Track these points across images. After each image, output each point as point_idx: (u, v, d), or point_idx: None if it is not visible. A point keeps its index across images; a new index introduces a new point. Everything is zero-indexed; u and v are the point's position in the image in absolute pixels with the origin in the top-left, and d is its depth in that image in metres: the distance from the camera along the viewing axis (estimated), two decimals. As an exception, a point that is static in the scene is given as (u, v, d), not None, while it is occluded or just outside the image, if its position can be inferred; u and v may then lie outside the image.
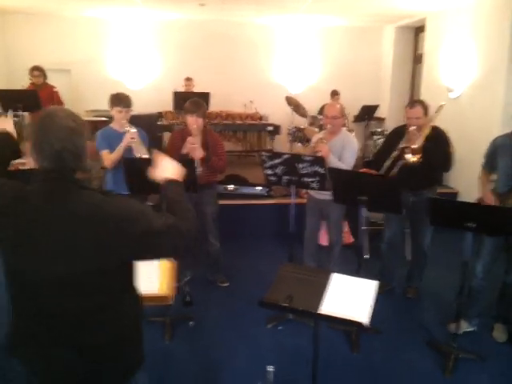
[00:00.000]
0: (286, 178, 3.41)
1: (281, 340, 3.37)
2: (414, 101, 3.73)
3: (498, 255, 3.31)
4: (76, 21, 8.27)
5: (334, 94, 7.95)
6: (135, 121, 6.59)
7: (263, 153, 3.43)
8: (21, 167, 3.58)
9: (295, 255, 3.77)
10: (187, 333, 3.46)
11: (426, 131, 3.61)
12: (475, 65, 5.78)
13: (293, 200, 3.53)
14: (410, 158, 3.52)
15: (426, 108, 3.71)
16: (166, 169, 1.66)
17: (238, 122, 7.41)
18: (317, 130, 7.14)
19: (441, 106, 3.83)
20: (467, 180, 5.32)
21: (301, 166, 3.28)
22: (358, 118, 7.92)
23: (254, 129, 7.10)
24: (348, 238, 5.22)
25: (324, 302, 2.13)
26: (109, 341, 1.44)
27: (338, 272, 4.11)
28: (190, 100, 4.06)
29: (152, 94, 8.50)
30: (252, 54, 8.69)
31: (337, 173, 3.24)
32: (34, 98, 5.36)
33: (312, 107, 7.89)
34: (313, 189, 3.42)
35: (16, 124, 5.56)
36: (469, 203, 3.05)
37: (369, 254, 4.93)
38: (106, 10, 7.60)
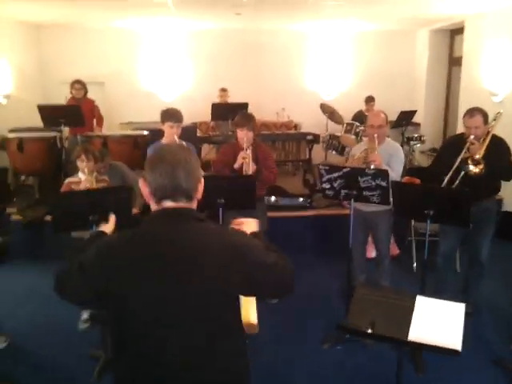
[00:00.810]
0: (344, 191, 3.33)
1: (340, 359, 3.29)
2: (473, 109, 3.59)
3: None
4: (108, 32, 8.35)
5: (370, 100, 7.82)
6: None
7: (321, 166, 3.35)
8: (75, 186, 3.59)
9: (339, 269, 3.69)
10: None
11: (487, 141, 3.50)
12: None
13: (351, 214, 3.44)
14: (473, 168, 3.41)
15: (485, 116, 3.59)
16: (249, 226, 1.69)
17: (276, 131, 7.34)
18: (353, 137, 7.07)
19: (499, 114, 3.71)
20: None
21: (363, 179, 3.20)
22: (396, 124, 7.76)
23: (292, 138, 7.02)
24: (393, 250, 5.11)
25: (411, 328, 2.04)
26: (219, 379, 1.39)
27: (389, 284, 4.09)
28: (239, 113, 4.04)
29: (185, 105, 8.43)
30: (284, 61, 8.63)
31: (402, 187, 3.16)
32: (77, 112, 5.39)
33: (345, 114, 7.79)
34: (373, 202, 3.33)
35: (58, 139, 5.62)
36: None
37: (415, 268, 4.81)
38: (138, 20, 7.65)
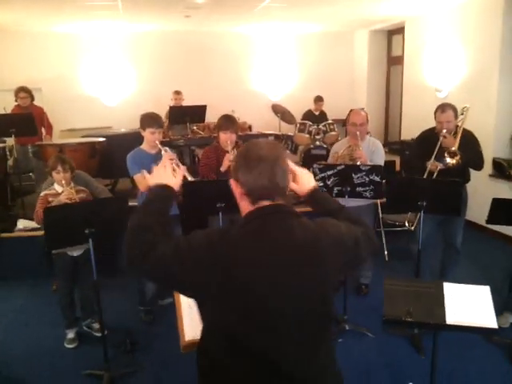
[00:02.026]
0: (337, 188, 3.40)
1: (347, 351, 3.36)
2: (445, 105, 3.82)
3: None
4: (46, 37, 7.86)
5: (319, 99, 8.05)
6: (125, 139, 6.49)
7: (315, 165, 3.40)
8: (52, 199, 3.34)
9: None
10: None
11: (459, 134, 3.74)
12: (463, 65, 6.05)
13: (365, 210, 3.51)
14: (450, 160, 3.63)
15: (455, 111, 3.83)
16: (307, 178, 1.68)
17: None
18: (307, 136, 7.23)
19: (466, 108, 3.97)
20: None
21: (357, 175, 3.29)
22: (345, 122, 8.05)
23: (254, 138, 6.97)
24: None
25: (447, 312, 2.14)
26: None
27: (371, 276, 4.25)
28: (222, 116, 3.97)
29: (129, 109, 8.21)
30: (232, 64, 8.63)
31: (398, 180, 3.29)
32: (29, 121, 5.01)
33: (293, 114, 7.94)
34: (365, 198, 3.44)
35: (7, 150, 5.20)
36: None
37: (387, 257, 5.02)
38: (79, 24, 7.27)
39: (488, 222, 3.20)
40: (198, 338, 1.80)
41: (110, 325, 3.73)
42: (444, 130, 3.75)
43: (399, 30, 8.12)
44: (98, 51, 8.15)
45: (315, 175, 3.40)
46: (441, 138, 3.75)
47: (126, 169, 6.38)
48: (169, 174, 1.57)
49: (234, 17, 7.07)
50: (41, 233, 4.67)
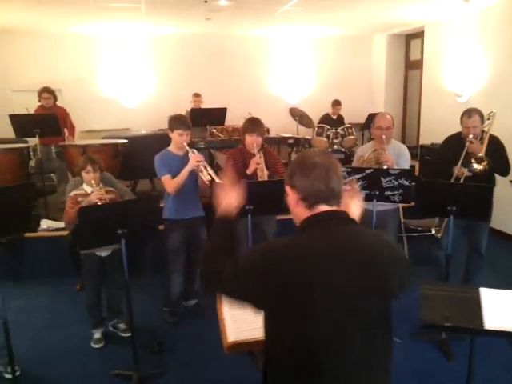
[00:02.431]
0: (365, 192, 3.39)
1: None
2: (471, 110, 3.80)
3: None
4: (65, 38, 7.96)
5: (336, 103, 8.04)
6: (145, 141, 6.53)
7: (343, 168, 3.39)
8: (82, 199, 3.37)
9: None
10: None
11: (487, 139, 3.72)
12: (484, 70, 6.01)
13: (375, 212, 3.50)
14: (477, 166, 3.62)
15: (482, 116, 3.81)
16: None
17: None
18: (325, 139, 7.23)
19: (492, 113, 3.95)
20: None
21: (386, 179, 3.29)
22: (364, 126, 8.05)
23: (273, 142, 7.02)
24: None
25: (485, 317, 2.13)
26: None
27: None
28: (248, 119, 3.99)
29: (148, 111, 8.30)
30: (249, 66, 8.67)
31: (429, 184, 3.28)
32: (53, 122, 5.07)
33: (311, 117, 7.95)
34: (394, 202, 3.43)
35: (31, 150, 5.26)
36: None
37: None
38: (99, 25, 7.34)
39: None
40: (241, 339, 1.83)
41: (136, 325, 3.74)
42: (470, 136, 3.74)
43: (418, 35, 8.10)
44: (117, 53, 8.22)
45: (344, 179, 3.39)
46: (467, 144, 3.74)
47: (147, 170, 6.43)
48: (233, 195, 1.66)
49: (255, 19, 7.10)
50: (65, 233, 4.75)
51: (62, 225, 4.97)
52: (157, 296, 4.09)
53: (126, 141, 5.62)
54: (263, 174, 3.65)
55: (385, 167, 3.56)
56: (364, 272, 1.31)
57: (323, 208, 1.38)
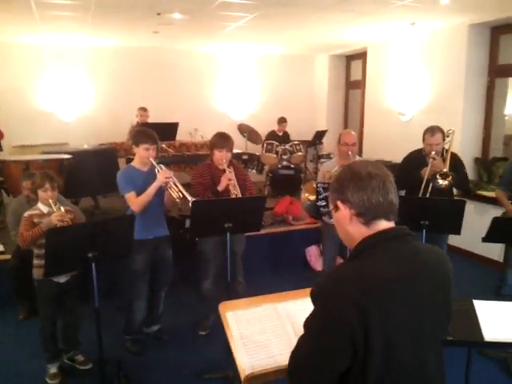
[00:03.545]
0: (339, 208, 3.38)
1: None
2: (434, 128, 3.94)
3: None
4: (10, 46, 7.32)
5: (282, 120, 8.11)
6: (90, 156, 6.15)
7: (319, 184, 3.37)
8: (38, 220, 3.05)
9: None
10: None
11: (449, 156, 3.88)
12: (427, 90, 6.35)
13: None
14: (442, 182, 3.76)
15: (443, 134, 3.98)
16: None
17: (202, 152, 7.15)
18: (274, 156, 7.24)
19: (451, 131, 4.14)
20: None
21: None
22: (311, 143, 8.18)
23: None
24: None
25: (483, 329, 2.15)
26: None
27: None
28: (217, 134, 3.85)
29: (86, 125, 7.85)
30: (196, 82, 8.50)
31: (404, 199, 3.31)
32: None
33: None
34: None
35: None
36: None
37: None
38: (41, 35, 6.85)
39: (485, 240, 3.30)
40: (257, 370, 1.69)
41: (94, 357, 3.44)
42: (433, 152, 3.88)
43: (358, 56, 8.43)
44: (58, 64, 7.70)
45: (319, 194, 3.37)
46: (430, 160, 3.87)
47: (90, 187, 6.07)
48: None
49: (203, 35, 6.99)
50: (6, 257, 4.29)
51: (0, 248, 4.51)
52: (113, 323, 3.78)
53: (70, 156, 5.23)
54: (236, 190, 3.52)
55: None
56: (436, 291, 1.25)
57: (383, 225, 1.26)
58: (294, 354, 1.25)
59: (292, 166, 7.22)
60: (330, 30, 6.45)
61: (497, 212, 4.36)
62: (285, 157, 7.29)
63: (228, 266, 3.19)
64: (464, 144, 5.77)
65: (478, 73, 5.71)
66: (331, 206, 1.36)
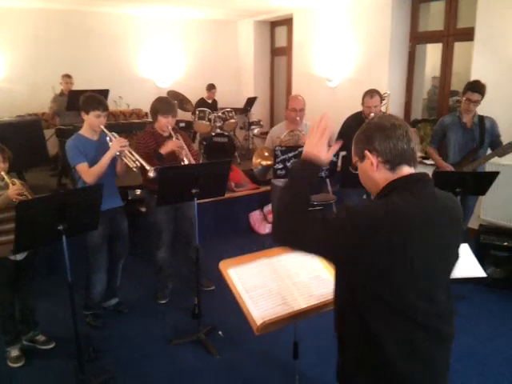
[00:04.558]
0: (295, 170, 3.51)
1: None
2: (372, 91, 4.16)
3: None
4: None
5: (211, 87, 8.05)
6: (13, 128, 5.68)
7: (277, 147, 3.44)
8: None
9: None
10: (222, 342, 3.32)
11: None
12: (354, 56, 6.62)
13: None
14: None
15: (381, 96, 4.23)
16: None
17: (134, 120, 6.88)
18: (207, 123, 7.19)
19: (387, 94, 4.42)
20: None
21: (316, 156, 3.43)
22: (243, 110, 8.20)
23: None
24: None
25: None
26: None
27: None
28: (159, 99, 3.75)
29: (1, 96, 7.18)
30: (118, 48, 8.08)
31: (349, 158, 3.51)
32: None
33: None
34: (321, 177, 3.62)
35: None
36: (451, 172, 3.72)
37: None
38: None
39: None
40: (269, 318, 1.78)
41: (55, 335, 3.32)
42: (372, 114, 4.12)
43: (283, 22, 8.52)
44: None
45: (277, 157, 3.46)
46: (370, 122, 4.11)
47: (16, 161, 5.68)
48: (324, 144, 1.47)
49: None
50: None
51: None
52: (61, 300, 3.64)
53: (-5, 128, 4.81)
54: (189, 158, 3.49)
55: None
56: (451, 233, 1.39)
57: (406, 170, 1.38)
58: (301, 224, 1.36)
59: (225, 133, 7.23)
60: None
61: (425, 168, 4.78)
62: (218, 124, 7.27)
63: (195, 232, 3.21)
64: (390, 108, 6.15)
65: (401, 39, 6.07)
66: (355, 158, 1.47)
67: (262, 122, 8.33)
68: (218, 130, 7.20)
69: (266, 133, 8.76)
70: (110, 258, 3.54)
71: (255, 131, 8.25)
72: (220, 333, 3.40)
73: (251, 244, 5.07)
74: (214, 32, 9.05)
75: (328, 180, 5.48)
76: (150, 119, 7.54)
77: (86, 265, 3.42)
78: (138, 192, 5.04)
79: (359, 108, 4.42)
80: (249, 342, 3.26)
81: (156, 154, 3.51)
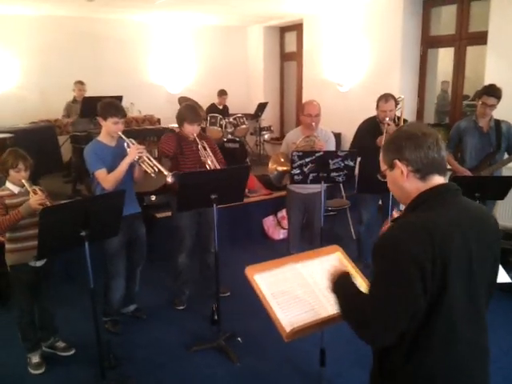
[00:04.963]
0: (312, 175, 3.51)
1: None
2: (387, 95, 4.15)
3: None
4: None
5: (222, 93, 8.08)
6: (27, 135, 5.73)
7: (294, 152, 3.44)
8: (9, 201, 2.86)
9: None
10: (241, 349, 3.31)
11: (402, 121, 4.15)
12: (365, 61, 6.63)
13: (322, 196, 3.63)
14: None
15: (396, 100, 4.22)
16: None
17: (148, 126, 6.92)
18: (219, 129, 7.21)
19: (401, 99, 4.41)
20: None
21: (333, 161, 3.43)
22: (254, 116, 8.21)
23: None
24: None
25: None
26: None
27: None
28: (186, 106, 3.77)
29: (13, 103, 7.25)
30: (129, 54, 8.14)
31: (368, 163, 3.51)
32: None
33: (200, 107, 7.83)
34: (338, 182, 3.61)
35: None
36: (470, 177, 3.70)
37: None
38: None
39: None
40: (298, 325, 1.77)
41: (76, 342, 3.33)
42: (387, 118, 4.11)
43: (292, 27, 8.54)
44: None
45: (294, 162, 3.45)
46: (386, 126, 4.10)
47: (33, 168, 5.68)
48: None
49: (136, 3, 6.65)
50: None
51: None
52: (82, 307, 3.67)
53: (12, 135, 4.85)
54: (214, 164, 3.51)
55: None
56: (483, 245, 1.37)
57: (437, 179, 1.38)
58: (368, 303, 1.32)
59: (237, 139, 7.24)
60: (264, 0, 6.43)
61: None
62: (229, 130, 7.29)
63: (215, 237, 3.21)
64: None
65: (413, 43, 6.07)
66: (384, 167, 1.47)
67: (272, 128, 8.35)
68: (230, 136, 7.22)
69: (277, 138, 8.97)
70: (128, 265, 3.56)
71: (266, 137, 8.28)
72: (239, 339, 3.39)
73: (265, 250, 5.07)
74: (223, 38, 9.09)
75: (342, 185, 5.48)
76: (162, 125, 7.65)
77: (104, 271, 3.43)
78: (154, 198, 5.05)
79: (371, 113, 4.42)
80: (269, 348, 3.25)
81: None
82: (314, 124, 3.98)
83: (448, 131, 5.96)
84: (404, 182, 1.40)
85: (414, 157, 1.37)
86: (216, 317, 3.52)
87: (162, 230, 4.58)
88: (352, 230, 5.35)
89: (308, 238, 4.49)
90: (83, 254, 2.51)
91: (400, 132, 1.45)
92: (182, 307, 3.90)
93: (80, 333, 3.38)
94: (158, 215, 4.93)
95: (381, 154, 1.49)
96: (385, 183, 2.76)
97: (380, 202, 4.45)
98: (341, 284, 1.53)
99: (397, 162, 1.40)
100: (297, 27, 8.34)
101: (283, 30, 8.96)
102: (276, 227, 5.57)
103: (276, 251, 5.02)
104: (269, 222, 5.61)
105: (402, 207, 1.49)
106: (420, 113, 6.33)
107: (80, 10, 7.00)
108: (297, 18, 7.86)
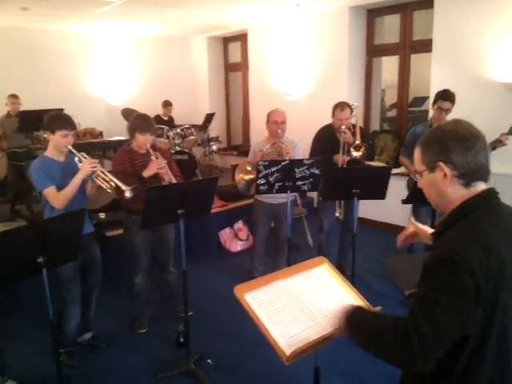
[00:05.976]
0: (278, 184, 3.42)
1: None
2: (343, 103, 4.17)
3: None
4: None
5: (167, 104, 7.86)
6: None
7: (260, 162, 3.33)
8: None
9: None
10: (212, 371, 3.12)
11: (358, 128, 4.17)
12: (313, 70, 6.68)
13: (289, 206, 3.55)
14: (357, 154, 4.03)
15: (351, 109, 4.25)
16: None
17: (93, 140, 6.54)
18: (166, 140, 6.98)
19: (355, 106, 4.46)
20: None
21: (299, 169, 3.36)
22: (202, 127, 8.03)
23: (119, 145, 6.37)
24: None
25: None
26: None
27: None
28: (137, 116, 3.56)
29: None
30: (67, 65, 7.69)
31: (333, 171, 3.47)
32: None
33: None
34: (304, 191, 3.54)
35: None
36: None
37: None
38: None
39: (405, 202, 3.64)
40: (298, 346, 1.64)
41: (27, 378, 2.99)
42: (343, 127, 4.12)
43: (236, 38, 8.49)
44: None
45: (259, 172, 3.35)
46: (342, 134, 4.11)
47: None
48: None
49: (75, 14, 6.30)
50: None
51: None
52: (30, 339, 3.33)
53: None
54: (169, 177, 3.31)
55: (287, 158, 3.64)
56: None
57: (481, 186, 1.28)
58: (422, 322, 1.21)
59: (185, 150, 7.04)
60: (208, 10, 6.32)
61: (395, 178, 4.81)
62: (177, 141, 7.08)
63: (183, 255, 3.02)
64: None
65: (358, 53, 6.19)
66: (422, 167, 1.34)
67: (220, 138, 8.22)
68: (178, 148, 7.01)
69: (225, 149, 8.83)
70: (83, 290, 3.27)
71: (214, 147, 8.12)
72: (209, 361, 3.20)
73: (224, 263, 4.92)
74: (166, 48, 8.85)
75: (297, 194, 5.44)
76: (105, 138, 7.30)
77: (59, 299, 3.12)
78: (103, 216, 4.75)
79: (320, 121, 4.43)
80: (243, 367, 3.09)
81: (138, 177, 3.31)
82: (280, 131, 3.94)
83: (396, 138, 6.17)
84: (446, 187, 1.28)
85: (461, 161, 1.25)
86: (182, 339, 3.33)
87: (113, 250, 4.29)
88: (309, 238, 5.31)
89: (272, 248, 4.41)
90: (40, 283, 2.24)
91: (445, 130, 1.29)
92: (143, 330, 3.64)
93: (32, 368, 3.06)
94: (108, 234, 4.63)
95: (417, 152, 1.35)
96: (349, 190, 2.70)
97: (337, 214, 4.41)
98: (360, 320, 1.46)
99: (441, 164, 1.27)
100: (241, 37, 8.30)
101: (226, 40, 8.89)
102: (233, 239, 5.43)
103: (235, 264, 4.88)
104: (225, 235, 5.45)
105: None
106: (367, 120, 6.46)
107: (15, 19, 6.53)
108: (241, 28, 7.81)
